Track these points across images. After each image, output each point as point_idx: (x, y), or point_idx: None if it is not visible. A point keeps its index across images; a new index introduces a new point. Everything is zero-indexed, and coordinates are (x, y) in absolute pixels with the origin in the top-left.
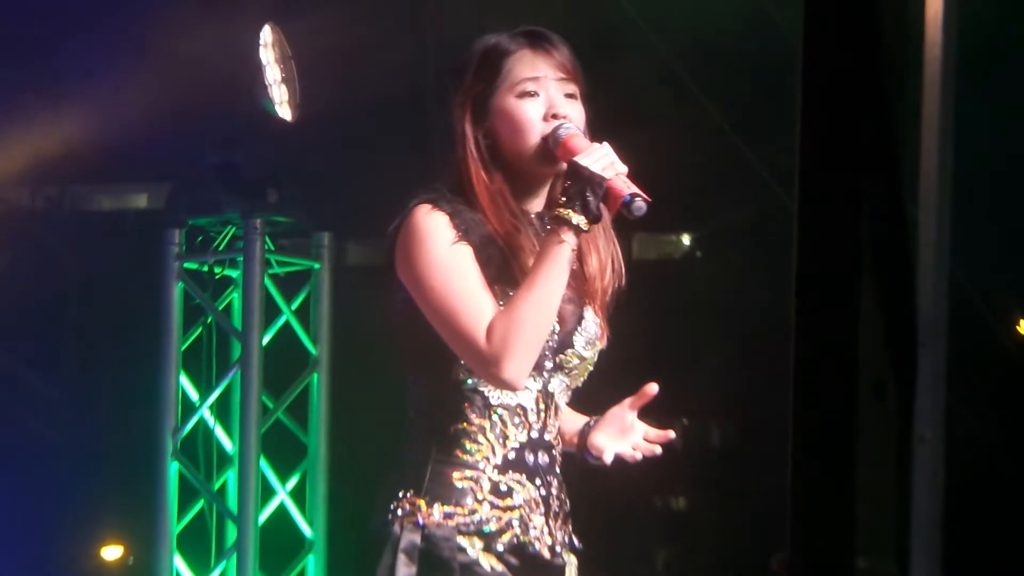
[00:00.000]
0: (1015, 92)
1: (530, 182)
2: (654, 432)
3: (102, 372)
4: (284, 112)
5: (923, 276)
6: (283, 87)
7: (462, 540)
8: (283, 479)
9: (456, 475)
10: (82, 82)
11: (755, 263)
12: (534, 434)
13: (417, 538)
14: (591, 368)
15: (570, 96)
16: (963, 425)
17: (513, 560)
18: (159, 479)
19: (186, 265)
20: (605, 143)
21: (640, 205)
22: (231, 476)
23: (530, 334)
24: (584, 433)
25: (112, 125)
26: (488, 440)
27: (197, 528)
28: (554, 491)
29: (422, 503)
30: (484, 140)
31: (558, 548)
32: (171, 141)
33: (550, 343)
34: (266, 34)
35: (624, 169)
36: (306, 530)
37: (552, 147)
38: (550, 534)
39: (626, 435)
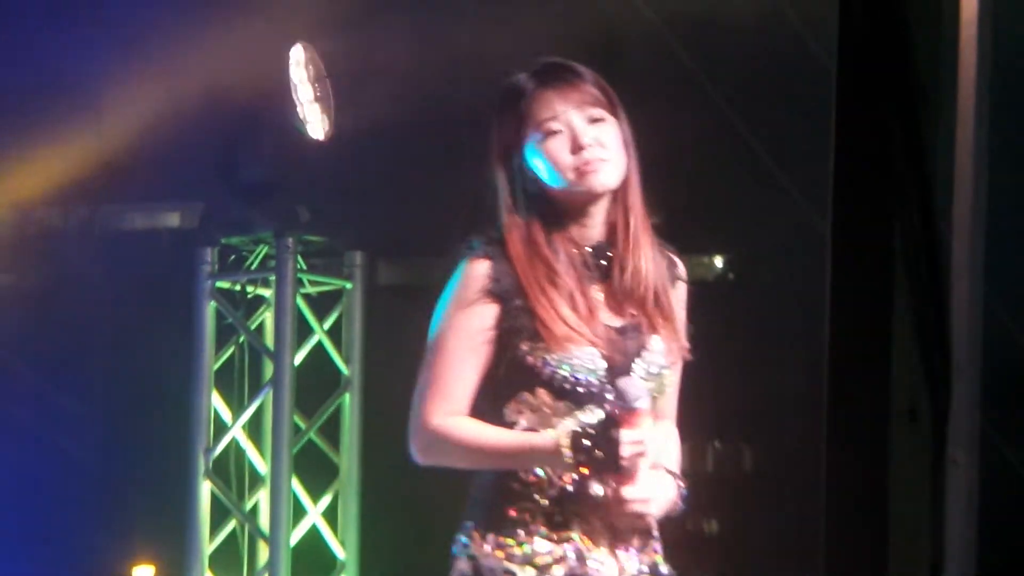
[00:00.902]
0: None
1: (580, 211)
2: None
3: (134, 391)
4: (316, 131)
5: (958, 300)
6: (316, 106)
7: (512, 567)
8: (315, 499)
9: (510, 508)
10: (115, 100)
11: (787, 285)
12: None
13: (468, 568)
14: (659, 394)
15: (596, 120)
16: (997, 449)
17: None
18: (191, 499)
19: (218, 284)
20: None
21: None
22: (263, 496)
23: (457, 462)
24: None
25: (145, 144)
26: (546, 472)
27: (228, 548)
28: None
29: (477, 534)
30: (521, 183)
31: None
32: (204, 160)
33: (596, 381)
34: (298, 52)
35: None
36: (338, 551)
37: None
38: (617, 564)
39: None
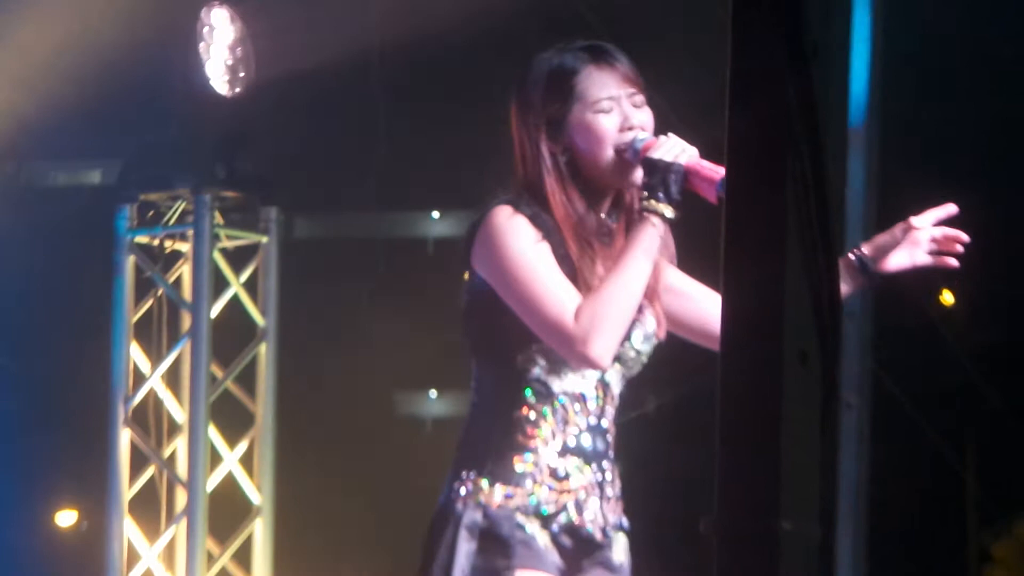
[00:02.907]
0: (941, 69)
1: (602, 191)
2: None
3: (56, 343)
4: (232, 87)
5: (849, 247)
6: (231, 63)
7: (521, 519)
8: (232, 446)
9: (517, 459)
10: (36, 59)
11: (683, 232)
12: (592, 420)
13: (479, 516)
14: (645, 361)
15: (638, 105)
16: (887, 391)
17: (566, 540)
18: (111, 446)
19: (137, 239)
20: (670, 134)
21: None
22: (181, 443)
23: (617, 314)
24: (864, 265)
25: (66, 101)
26: (549, 426)
27: (148, 494)
28: (608, 476)
29: (484, 483)
30: (561, 156)
31: (608, 529)
32: (125, 118)
33: None
34: (215, 14)
35: (695, 151)
36: (254, 496)
37: (631, 158)
38: (603, 516)
39: (917, 247)
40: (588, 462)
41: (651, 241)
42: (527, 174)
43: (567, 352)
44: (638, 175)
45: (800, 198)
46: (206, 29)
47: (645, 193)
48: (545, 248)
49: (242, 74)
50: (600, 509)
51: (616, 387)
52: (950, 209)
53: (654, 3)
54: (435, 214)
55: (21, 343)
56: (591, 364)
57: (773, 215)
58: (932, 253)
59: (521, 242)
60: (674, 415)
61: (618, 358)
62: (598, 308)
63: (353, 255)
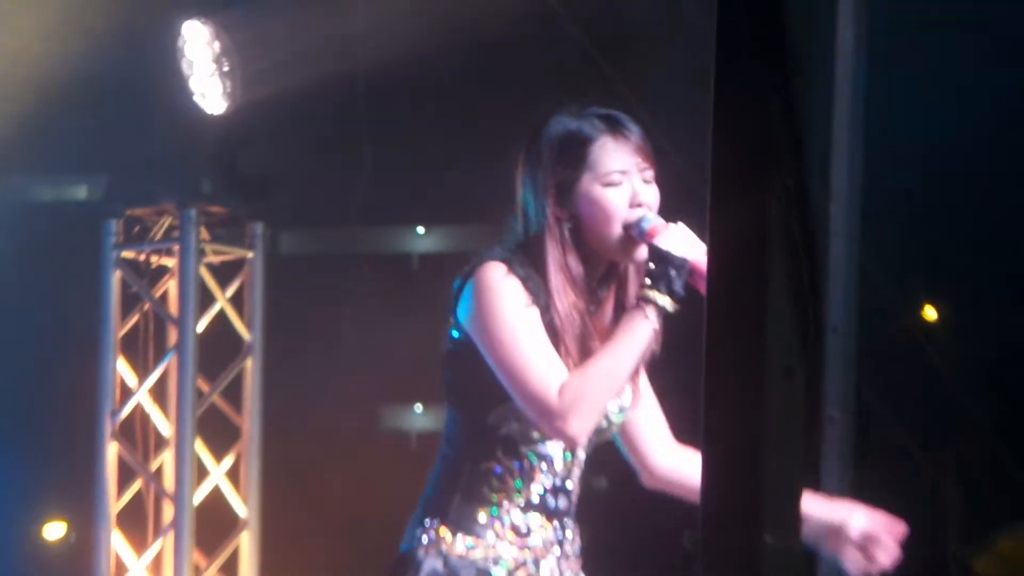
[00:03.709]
0: (925, 83)
1: (599, 262)
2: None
3: (44, 358)
4: (217, 104)
5: (834, 264)
6: (216, 79)
7: (486, 567)
8: (218, 460)
9: (481, 510)
10: (19, 73)
11: None
12: (557, 481)
13: (439, 565)
14: (616, 431)
15: (648, 181)
16: (870, 406)
17: None
18: (99, 459)
19: (124, 254)
20: (680, 223)
21: None
22: (168, 457)
23: (599, 397)
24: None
25: (49, 116)
26: (515, 482)
27: (135, 507)
28: (568, 535)
29: (446, 532)
30: (567, 223)
31: None
32: (110, 133)
33: None
34: (198, 27)
35: (703, 248)
36: (240, 510)
37: (637, 237)
38: (559, 574)
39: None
40: (550, 519)
41: (645, 332)
42: (527, 233)
43: (544, 425)
44: (640, 253)
45: (784, 213)
46: (187, 44)
47: (648, 281)
48: (534, 314)
49: (228, 89)
50: (558, 567)
51: (583, 452)
52: (898, 530)
53: (636, 16)
54: (420, 229)
55: (7, 357)
56: (566, 440)
57: (756, 230)
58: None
59: (512, 306)
60: None
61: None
62: (582, 388)
63: (338, 270)
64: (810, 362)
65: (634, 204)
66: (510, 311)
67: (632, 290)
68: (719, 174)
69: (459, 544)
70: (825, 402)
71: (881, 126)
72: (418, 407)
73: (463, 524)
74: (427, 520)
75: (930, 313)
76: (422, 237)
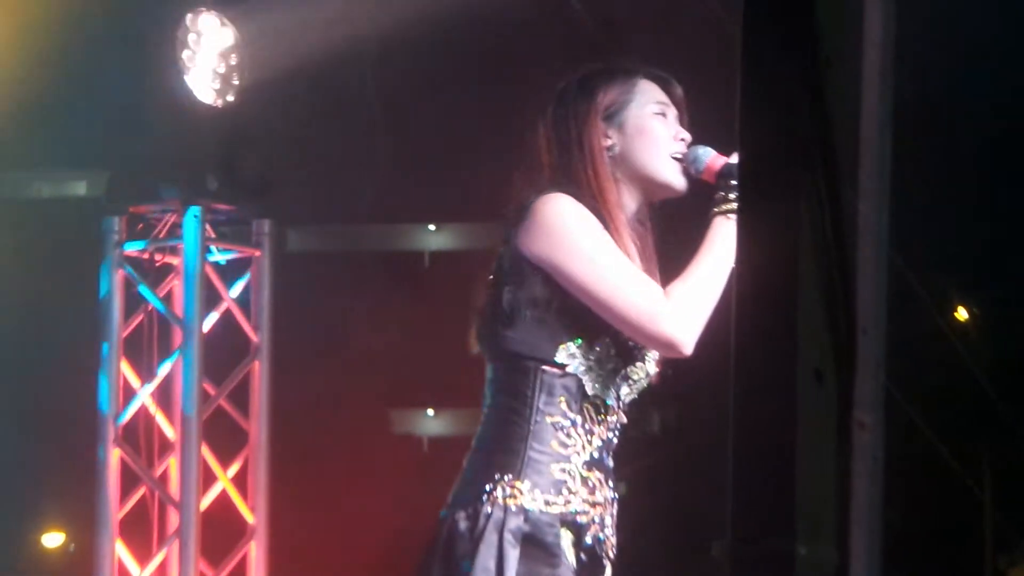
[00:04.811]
0: (953, 80)
1: (641, 193)
2: None
3: (44, 359)
4: (222, 99)
5: (863, 264)
6: (223, 71)
7: (559, 528)
8: (224, 466)
9: (554, 466)
10: (14, 65)
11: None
12: (609, 435)
13: (521, 521)
14: (645, 385)
15: (684, 126)
16: (903, 411)
17: (584, 556)
18: (100, 465)
19: (126, 252)
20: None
21: None
22: (172, 463)
23: (704, 301)
24: None
25: (48, 110)
26: (579, 436)
27: (139, 515)
28: (615, 496)
29: (522, 487)
30: (610, 152)
31: (611, 552)
32: (112, 127)
33: (625, 352)
34: (201, 16)
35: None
36: (248, 516)
37: (694, 170)
38: (612, 537)
39: None
40: (607, 478)
41: (733, 240)
42: (572, 166)
43: (653, 334)
44: (681, 184)
45: (814, 212)
46: (192, 36)
47: (724, 195)
48: (609, 237)
49: (235, 82)
50: (612, 526)
51: (624, 404)
52: None
53: (658, 12)
54: (432, 226)
55: (5, 359)
56: (675, 348)
57: (787, 230)
58: None
59: (593, 228)
60: (681, 436)
61: (628, 376)
62: (688, 294)
63: (348, 269)
64: (841, 366)
65: (677, 138)
66: (594, 233)
67: (652, 240)
68: (748, 174)
69: (539, 499)
70: (855, 407)
71: (910, 124)
72: (430, 411)
73: (537, 479)
74: (496, 474)
75: (962, 313)
76: (434, 234)
